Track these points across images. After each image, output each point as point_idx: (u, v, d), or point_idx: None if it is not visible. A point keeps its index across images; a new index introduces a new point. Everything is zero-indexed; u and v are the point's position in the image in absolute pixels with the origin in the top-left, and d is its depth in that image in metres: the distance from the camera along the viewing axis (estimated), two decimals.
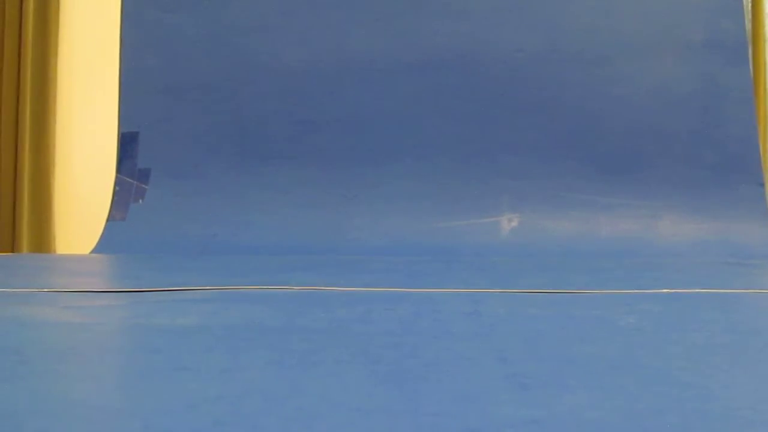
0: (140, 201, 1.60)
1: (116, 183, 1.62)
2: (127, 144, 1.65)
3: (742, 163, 1.52)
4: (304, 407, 0.21)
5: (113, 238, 1.55)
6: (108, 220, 1.59)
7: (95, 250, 1.52)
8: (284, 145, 1.61)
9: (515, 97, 1.58)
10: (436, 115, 1.59)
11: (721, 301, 0.54)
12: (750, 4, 1.68)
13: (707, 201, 1.49)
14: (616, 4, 1.59)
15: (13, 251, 1.76)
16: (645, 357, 0.30)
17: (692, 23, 1.58)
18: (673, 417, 0.20)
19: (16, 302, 0.52)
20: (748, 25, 1.66)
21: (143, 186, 1.61)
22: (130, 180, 1.62)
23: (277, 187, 1.58)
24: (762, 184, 1.51)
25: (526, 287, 0.65)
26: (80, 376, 0.26)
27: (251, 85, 1.64)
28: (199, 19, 1.68)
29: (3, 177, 1.79)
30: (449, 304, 0.51)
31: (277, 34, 1.65)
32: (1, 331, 0.37)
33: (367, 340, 0.34)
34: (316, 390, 0.23)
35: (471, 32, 1.61)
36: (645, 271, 0.91)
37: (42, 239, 1.78)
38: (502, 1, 1.61)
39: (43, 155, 1.80)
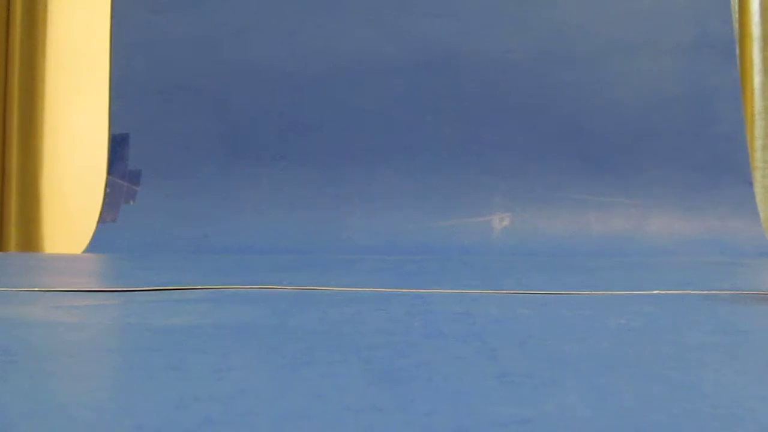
0: (131, 202, 1.59)
1: (107, 185, 1.62)
2: (117, 146, 1.65)
3: (731, 162, 1.53)
4: (296, 407, 0.21)
5: (104, 240, 1.54)
6: (99, 222, 1.58)
7: (86, 252, 1.52)
8: (275, 145, 1.61)
9: (506, 97, 1.59)
10: (427, 116, 1.59)
11: (712, 301, 0.54)
12: (737, 4, 1.69)
13: (696, 200, 1.50)
14: (605, 4, 1.60)
15: (0, 251, 1.75)
16: (636, 357, 0.30)
17: (680, 23, 1.59)
18: (663, 416, 0.20)
19: (4, 301, 0.51)
20: (735, 24, 1.67)
21: (134, 187, 1.61)
22: (121, 182, 1.62)
23: (269, 187, 1.58)
24: (751, 183, 1.52)
25: (517, 287, 0.65)
26: (70, 375, 0.26)
27: (242, 86, 1.64)
28: (189, 21, 1.67)
29: None
30: (441, 304, 0.51)
31: (267, 35, 1.65)
32: None
33: (359, 340, 0.34)
34: (307, 389, 0.23)
35: (461, 33, 1.61)
36: (636, 271, 0.92)
37: (30, 241, 1.77)
38: (493, 1, 1.62)
39: (31, 156, 1.79)
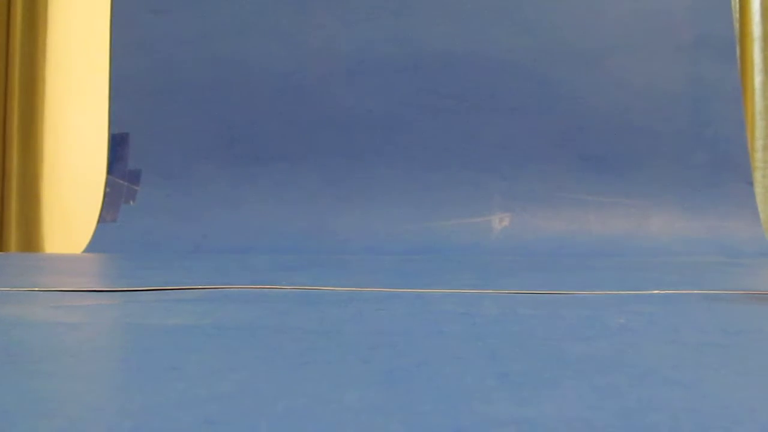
0: (131, 202, 1.59)
1: (107, 184, 1.62)
2: (117, 146, 1.64)
3: (731, 161, 1.53)
4: (295, 407, 0.21)
5: (104, 240, 1.54)
6: (99, 221, 1.58)
7: (86, 252, 1.52)
8: (275, 145, 1.61)
9: (506, 97, 1.59)
10: (426, 116, 1.59)
11: (712, 301, 0.54)
12: (738, 4, 1.69)
13: (697, 200, 1.50)
14: (605, 4, 1.60)
15: (0, 251, 1.75)
16: (635, 356, 0.30)
17: (681, 23, 1.59)
18: (663, 415, 0.20)
19: (4, 301, 0.51)
20: (736, 24, 1.67)
21: (134, 187, 1.61)
22: (121, 181, 1.61)
23: (268, 187, 1.58)
24: (751, 183, 1.52)
25: (517, 287, 0.65)
26: (70, 375, 0.26)
27: (241, 86, 1.64)
28: (189, 21, 1.67)
29: None
30: (440, 304, 0.51)
31: (267, 35, 1.65)
32: None
33: (359, 340, 0.34)
34: (307, 389, 0.23)
35: (461, 33, 1.61)
36: (635, 271, 0.92)
37: (30, 241, 1.77)
38: (493, 1, 1.62)
39: (32, 156, 1.79)
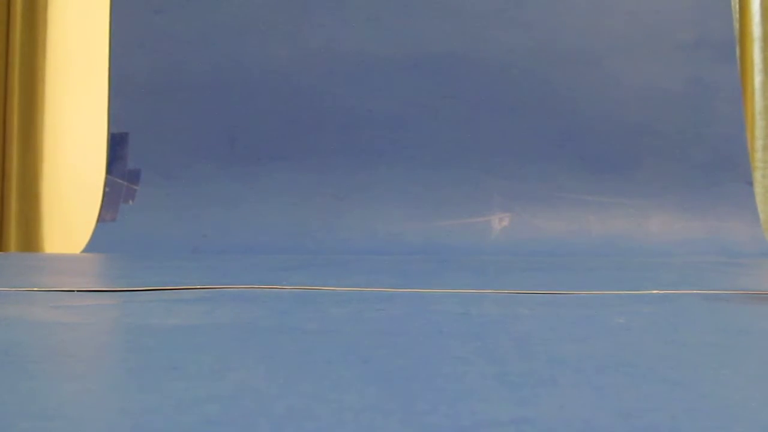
0: (130, 202, 1.59)
1: (106, 184, 1.62)
2: (116, 145, 1.64)
3: (731, 162, 1.53)
4: (295, 407, 0.21)
5: (103, 239, 1.54)
6: (98, 221, 1.58)
7: (85, 251, 1.52)
8: (275, 145, 1.61)
9: (506, 97, 1.59)
10: (427, 115, 1.59)
11: (712, 301, 0.54)
12: (738, 4, 1.69)
13: (696, 200, 1.50)
14: (605, 4, 1.60)
15: (0, 251, 1.75)
16: (635, 356, 0.30)
17: (681, 23, 1.59)
18: (663, 416, 0.20)
19: (4, 301, 0.51)
20: (736, 24, 1.67)
21: (133, 187, 1.61)
22: (120, 181, 1.61)
23: (268, 187, 1.58)
24: (751, 183, 1.52)
25: (516, 287, 0.65)
26: (69, 375, 0.26)
27: (242, 86, 1.64)
28: (189, 20, 1.67)
29: None
30: (440, 304, 0.51)
31: (268, 34, 1.65)
32: None
33: (359, 340, 0.34)
34: (307, 389, 0.23)
35: (462, 32, 1.61)
36: (635, 271, 0.92)
37: (30, 241, 1.77)
38: (493, 1, 1.62)
39: (32, 155, 1.79)
